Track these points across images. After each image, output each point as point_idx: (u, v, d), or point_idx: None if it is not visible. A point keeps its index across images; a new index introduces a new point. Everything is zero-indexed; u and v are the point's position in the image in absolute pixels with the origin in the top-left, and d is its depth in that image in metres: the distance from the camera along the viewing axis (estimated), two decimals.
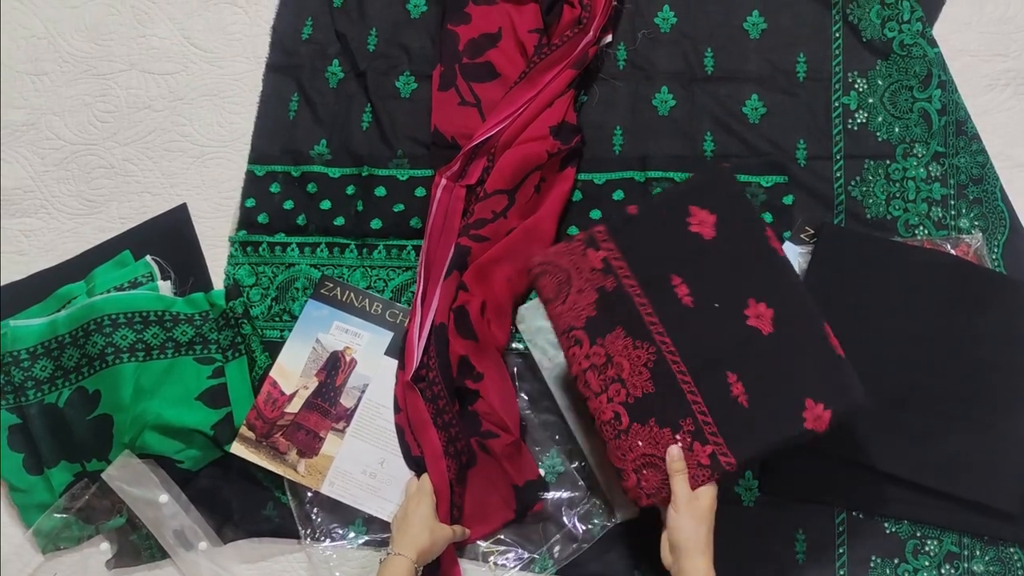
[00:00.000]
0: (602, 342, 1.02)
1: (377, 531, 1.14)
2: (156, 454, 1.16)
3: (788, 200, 1.21)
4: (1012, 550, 1.07)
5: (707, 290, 1.02)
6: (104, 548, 1.16)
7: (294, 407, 1.17)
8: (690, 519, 0.91)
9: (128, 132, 1.37)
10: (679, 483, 0.93)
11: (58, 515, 1.16)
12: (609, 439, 1.00)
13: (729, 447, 0.95)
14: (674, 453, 0.94)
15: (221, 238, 1.30)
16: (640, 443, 0.98)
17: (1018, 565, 1.07)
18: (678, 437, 0.97)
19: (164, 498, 1.14)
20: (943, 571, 1.07)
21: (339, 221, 1.27)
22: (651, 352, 1.00)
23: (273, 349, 1.21)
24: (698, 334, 1.01)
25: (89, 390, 1.19)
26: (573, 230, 1.24)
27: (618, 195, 1.25)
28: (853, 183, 1.21)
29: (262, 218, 1.29)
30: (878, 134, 1.23)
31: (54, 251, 1.32)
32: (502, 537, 1.12)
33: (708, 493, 0.93)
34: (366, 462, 1.15)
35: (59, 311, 1.23)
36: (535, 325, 1.19)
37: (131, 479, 1.15)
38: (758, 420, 0.96)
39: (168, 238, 1.31)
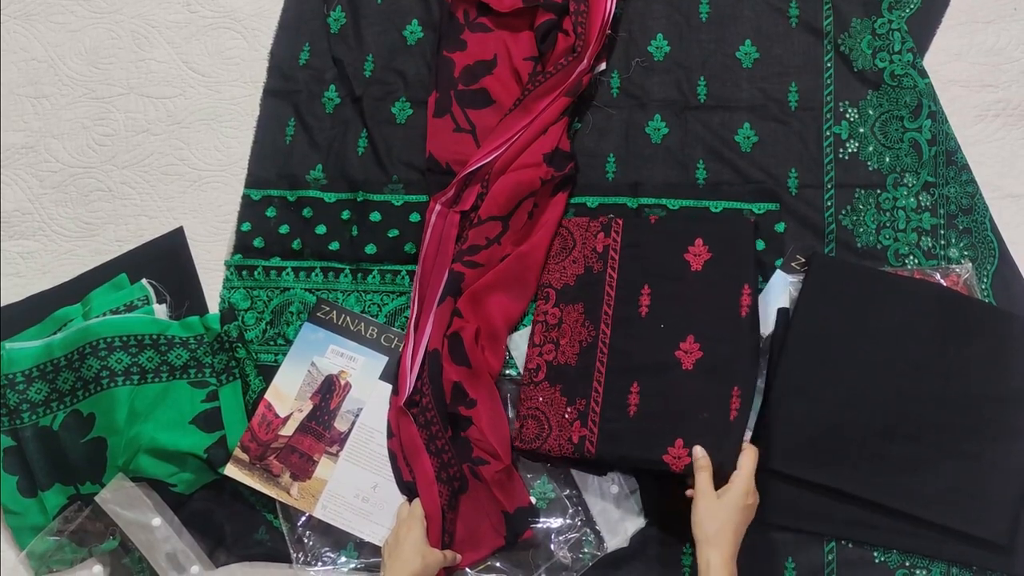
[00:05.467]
0: (563, 308, 1.19)
1: (368, 555, 1.14)
2: (149, 477, 1.16)
3: (780, 228, 1.22)
4: None
5: (663, 310, 1.14)
6: (97, 571, 1.16)
7: (288, 430, 1.18)
8: (706, 512, 0.96)
9: (126, 156, 1.39)
10: (700, 479, 0.99)
11: (51, 537, 1.16)
12: (523, 383, 1.16)
13: (598, 439, 1.09)
14: (697, 453, 1.02)
15: (217, 262, 1.31)
16: (540, 398, 1.14)
17: None
18: (569, 409, 1.12)
19: (157, 521, 1.15)
20: None
21: (334, 246, 1.28)
22: (591, 335, 1.15)
23: (267, 373, 1.22)
24: (633, 341, 1.14)
25: (84, 413, 1.19)
26: None
27: None
28: (844, 212, 1.22)
29: (258, 242, 1.30)
30: (869, 163, 1.24)
31: (51, 273, 1.33)
32: (492, 564, 1.12)
33: (736, 492, 0.97)
34: (359, 486, 1.15)
35: (55, 334, 1.23)
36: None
37: (124, 502, 1.15)
38: (631, 432, 1.09)
39: (164, 261, 1.31)
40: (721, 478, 1.00)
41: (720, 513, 0.96)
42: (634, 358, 1.13)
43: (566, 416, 1.12)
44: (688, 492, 1.01)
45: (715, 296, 1.13)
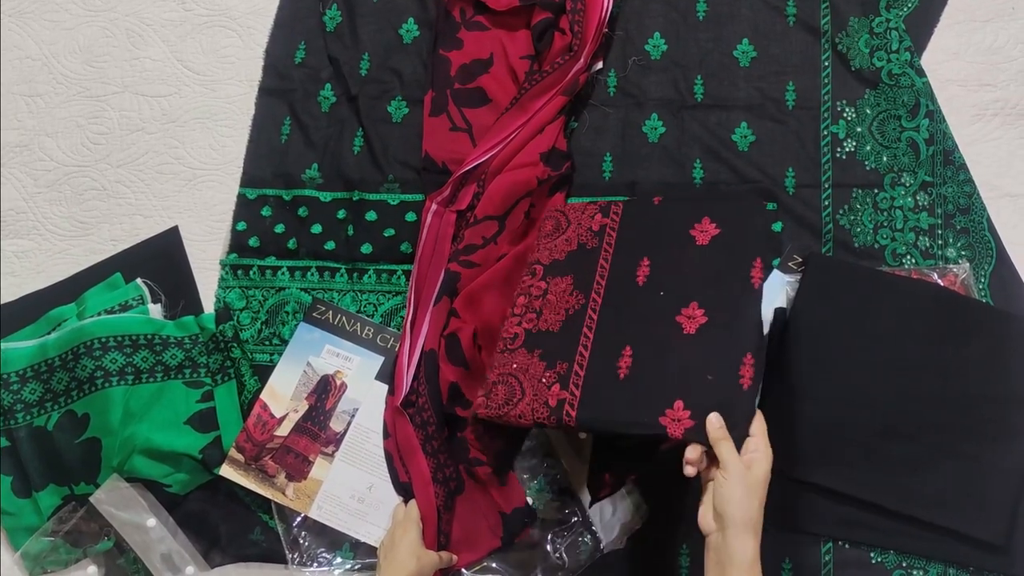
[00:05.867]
0: (550, 280, 1.12)
1: (364, 556, 1.14)
2: (144, 478, 1.16)
3: (777, 227, 1.22)
4: None
5: (663, 279, 1.05)
6: (91, 572, 1.16)
7: (284, 430, 1.17)
8: (742, 489, 0.84)
9: (121, 154, 1.38)
10: (726, 450, 0.86)
11: (46, 538, 1.15)
12: (497, 351, 1.09)
13: (580, 404, 0.98)
14: (714, 421, 0.89)
15: (212, 261, 1.31)
16: (515, 364, 1.06)
17: None
18: (548, 373, 1.02)
19: (152, 522, 1.14)
20: None
21: (330, 245, 1.28)
22: (579, 303, 1.07)
23: (262, 373, 1.21)
24: (628, 307, 1.04)
25: (78, 413, 1.19)
26: None
27: None
28: (841, 212, 1.22)
29: (253, 241, 1.30)
30: (866, 163, 1.24)
31: (45, 273, 1.32)
32: (488, 564, 1.12)
33: (762, 464, 0.86)
34: (354, 487, 1.15)
35: (49, 333, 1.23)
36: None
37: (119, 503, 1.15)
38: (622, 394, 0.97)
39: (159, 261, 1.31)
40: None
41: (757, 489, 0.84)
42: (627, 323, 1.02)
43: (543, 380, 1.02)
44: (688, 470, 0.87)
45: (723, 267, 1.02)
